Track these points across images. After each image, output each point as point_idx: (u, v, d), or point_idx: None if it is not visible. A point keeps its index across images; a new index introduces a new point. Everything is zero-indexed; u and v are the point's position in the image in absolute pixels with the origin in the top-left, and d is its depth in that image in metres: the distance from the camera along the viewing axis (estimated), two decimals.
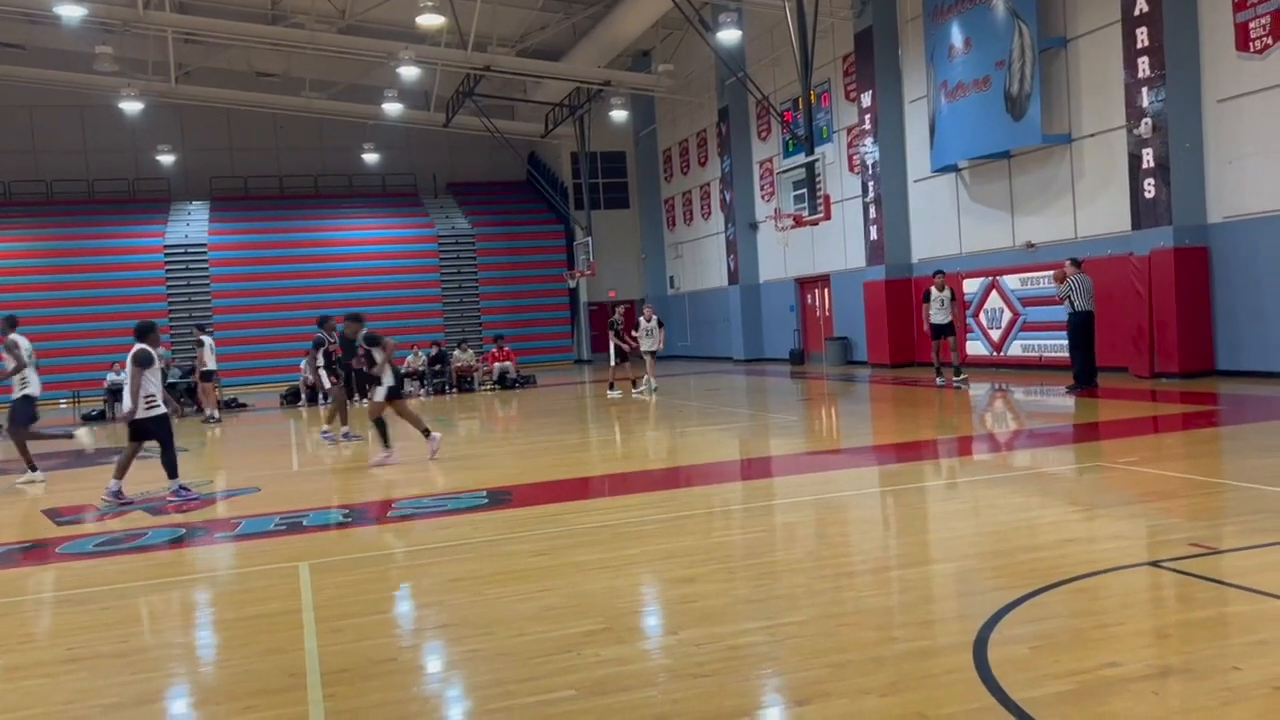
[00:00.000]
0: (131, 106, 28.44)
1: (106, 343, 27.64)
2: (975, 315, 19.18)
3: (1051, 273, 15.26)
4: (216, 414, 19.25)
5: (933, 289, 15.88)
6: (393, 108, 30.15)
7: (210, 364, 19.37)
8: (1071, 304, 14.05)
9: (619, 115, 31.75)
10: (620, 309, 21.48)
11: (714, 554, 6.05)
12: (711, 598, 5.02)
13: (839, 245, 23.68)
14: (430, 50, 26.26)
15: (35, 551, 7.33)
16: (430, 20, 23.26)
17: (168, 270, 31.10)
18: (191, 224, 32.97)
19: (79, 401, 23.32)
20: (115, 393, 21.84)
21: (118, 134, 33.21)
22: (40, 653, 4.84)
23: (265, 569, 6.42)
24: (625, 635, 4.55)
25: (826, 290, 24.88)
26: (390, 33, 26.33)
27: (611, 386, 18.61)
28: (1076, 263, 14.32)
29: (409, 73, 26.74)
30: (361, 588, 5.75)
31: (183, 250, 31.44)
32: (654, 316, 18.59)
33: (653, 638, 4.61)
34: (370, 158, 35.34)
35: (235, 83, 30.71)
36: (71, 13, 22.40)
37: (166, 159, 33.75)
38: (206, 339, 19.53)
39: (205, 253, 31.59)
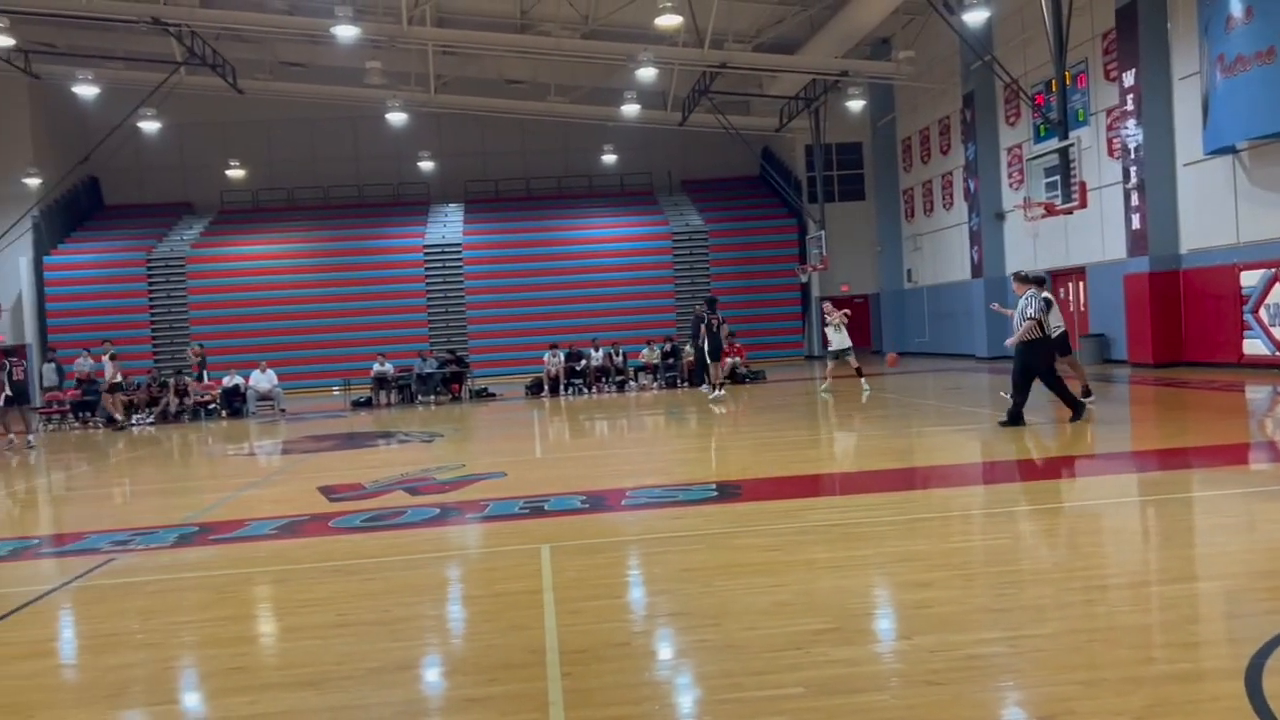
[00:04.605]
0: (396, 117, 30.79)
1: (374, 335, 30.12)
2: (1254, 311, 17.35)
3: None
4: (119, 419, 21.05)
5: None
6: (631, 109, 30.95)
7: (111, 376, 21.17)
8: (1042, 326, 11.38)
9: (855, 105, 31.08)
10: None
11: (952, 560, 5.82)
12: (948, 604, 4.84)
13: (1096, 235, 22.09)
14: (668, 50, 26.75)
15: (312, 524, 8.08)
16: (668, 20, 23.68)
17: (426, 268, 33.43)
18: (448, 225, 35.28)
19: (349, 389, 25.48)
20: (381, 381, 23.78)
21: (384, 142, 36.05)
22: (315, 616, 5.33)
23: (510, 549, 6.78)
24: (856, 636, 4.47)
25: (1081, 283, 23.29)
26: (630, 35, 27.05)
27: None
28: (1041, 280, 11.96)
29: (647, 74, 27.37)
30: (598, 572, 5.96)
31: (440, 249, 33.70)
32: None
33: (885, 641, 4.50)
34: (609, 158, 36.50)
35: (487, 90, 32.55)
36: (346, 33, 24.51)
37: (426, 165, 36.33)
38: (111, 351, 21.58)
39: (460, 251, 33.70)
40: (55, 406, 23.01)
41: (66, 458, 15.81)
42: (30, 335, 31.14)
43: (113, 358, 21.11)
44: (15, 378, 17.38)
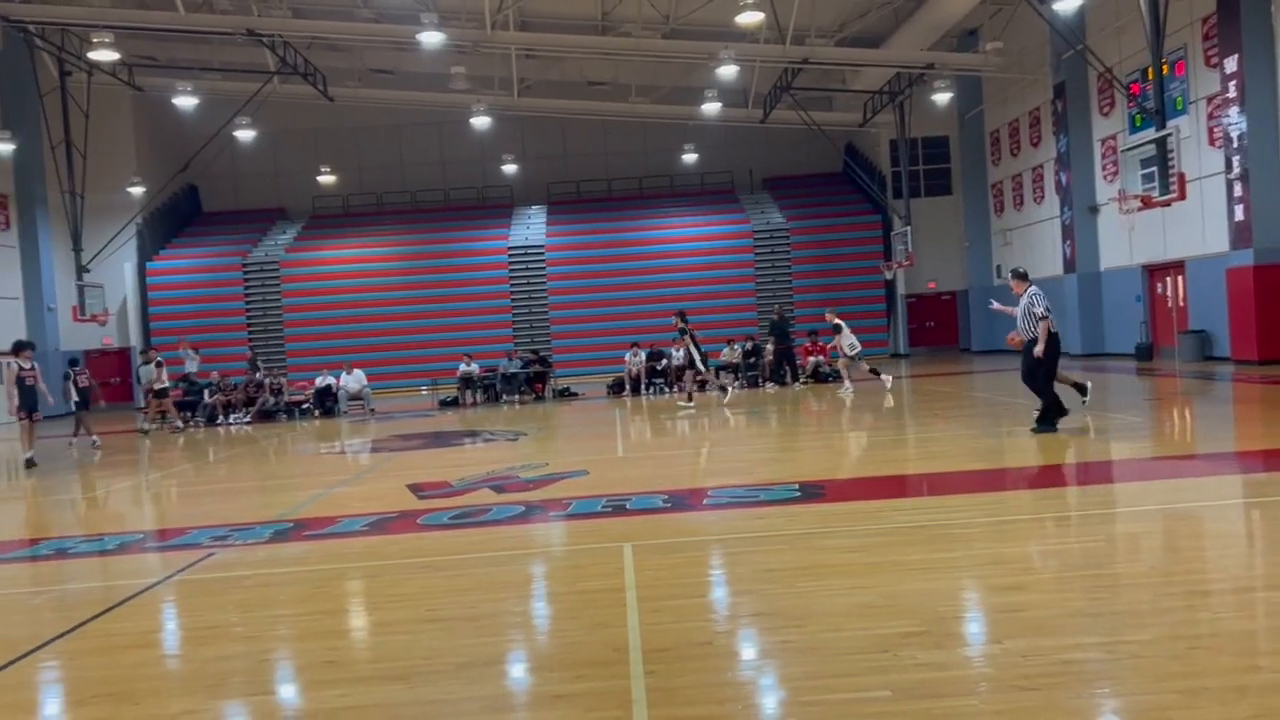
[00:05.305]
0: (481, 121, 31.27)
1: (459, 336, 30.65)
2: None
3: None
4: (179, 423, 21.56)
5: None
6: (711, 107, 30.89)
7: (165, 381, 21.61)
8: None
9: (942, 98, 30.47)
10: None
11: (1044, 562, 5.67)
12: (1040, 608, 4.72)
13: (1196, 228, 21.28)
14: (749, 48, 26.62)
15: (401, 521, 8.26)
16: (749, 18, 23.56)
17: (510, 270, 33.86)
18: (531, 227, 35.69)
19: (437, 389, 25.94)
20: (467, 381, 24.16)
21: (469, 146, 36.66)
22: (405, 611, 5.45)
23: (593, 547, 6.83)
24: (944, 640, 4.38)
25: (1180, 278, 22.46)
26: (711, 33, 26.99)
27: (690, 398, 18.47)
28: (1026, 275, 11.55)
29: (727, 72, 27.27)
30: (679, 571, 5.96)
31: (523, 251, 34.10)
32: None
33: (974, 645, 4.41)
34: (690, 157, 36.49)
35: (569, 93, 32.84)
36: (431, 39, 24.97)
37: (510, 168, 36.82)
38: (157, 359, 22.03)
39: (543, 253, 34.05)
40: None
41: (168, 455, 16.44)
42: (134, 338, 32.49)
43: (158, 364, 21.77)
44: (80, 384, 18.17)
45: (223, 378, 24.47)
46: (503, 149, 36.45)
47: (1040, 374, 11.14)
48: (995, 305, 13.02)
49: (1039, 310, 10.94)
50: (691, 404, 18.24)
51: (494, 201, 37.91)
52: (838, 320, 19.96)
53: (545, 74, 31.69)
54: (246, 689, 4.40)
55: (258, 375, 24.35)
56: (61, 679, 4.73)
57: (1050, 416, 11.11)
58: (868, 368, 19.91)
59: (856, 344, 19.76)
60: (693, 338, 18.75)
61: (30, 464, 14.80)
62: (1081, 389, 11.86)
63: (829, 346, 20.69)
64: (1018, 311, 11.34)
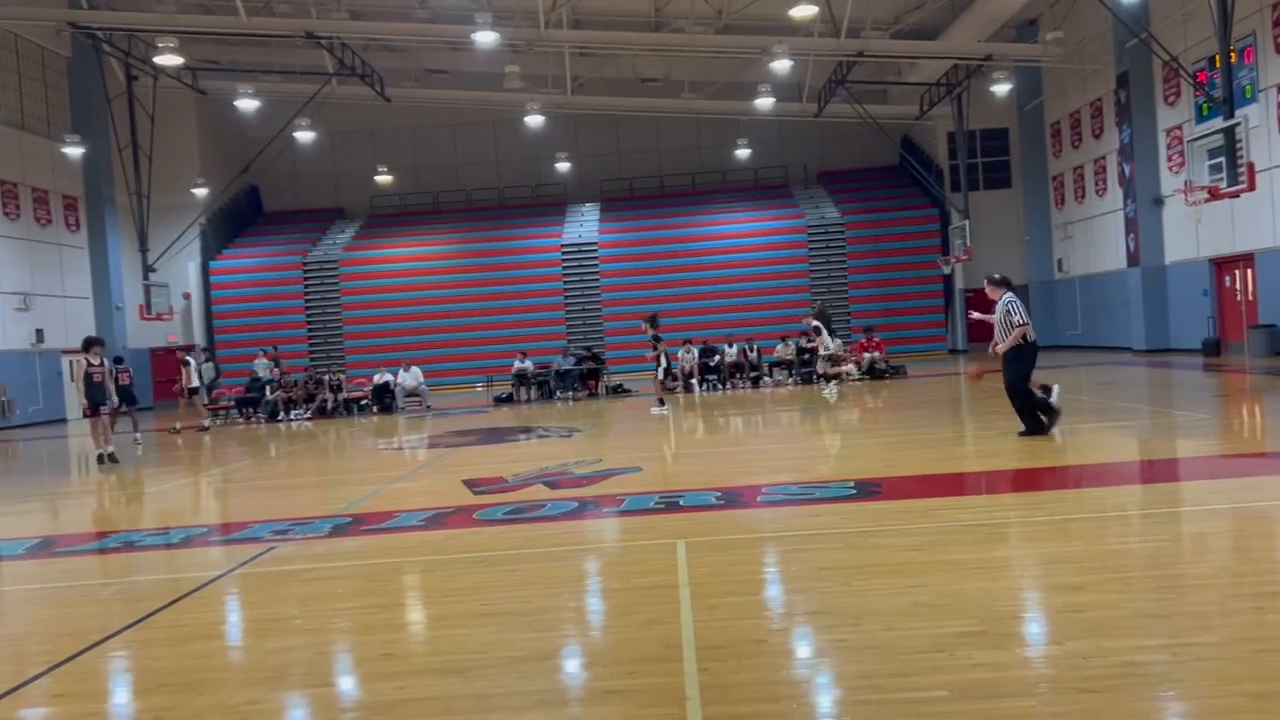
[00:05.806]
0: (535, 119, 31.48)
1: (514, 333, 30.88)
2: None
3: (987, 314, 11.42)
4: (206, 423, 21.67)
5: None
6: (765, 102, 30.71)
7: (195, 381, 21.81)
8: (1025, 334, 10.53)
9: (1001, 89, 29.98)
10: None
11: (1107, 562, 5.54)
12: (1103, 609, 4.62)
13: (1266, 219, 20.67)
14: (803, 41, 26.44)
15: (457, 516, 8.34)
16: (803, 11, 23.38)
17: (564, 267, 34.04)
18: (584, 224, 35.82)
19: (492, 385, 26.16)
20: (522, 377, 24.33)
21: (523, 145, 36.92)
22: (460, 606, 5.50)
23: (646, 544, 6.84)
24: (1003, 640, 4.31)
25: (1249, 271, 21.83)
26: (764, 28, 26.86)
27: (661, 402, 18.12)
28: (1005, 281, 11.03)
29: (781, 66, 27.11)
30: (733, 568, 5.94)
31: (577, 249, 34.25)
32: None
33: (1034, 645, 4.33)
34: (743, 153, 36.33)
35: (622, 90, 32.91)
36: (486, 39, 25.17)
37: (563, 166, 36.99)
38: (192, 360, 22.22)
39: (595, 250, 34.16)
40: (221, 403, 24.52)
41: (230, 451, 16.80)
42: (198, 336, 33.26)
43: (184, 364, 22.13)
44: (121, 382, 18.61)
45: (284, 374, 24.94)
46: (556, 147, 36.66)
47: (1015, 382, 10.82)
48: (974, 315, 12.76)
49: (1016, 318, 10.61)
50: (664, 407, 17.79)
51: (547, 199, 38.12)
52: (817, 323, 20.99)
53: (598, 72, 31.81)
54: (307, 680, 4.47)
55: (275, 374, 24.62)
56: (129, 668, 4.86)
57: (1034, 423, 10.79)
58: (833, 371, 21.15)
59: (831, 345, 21.01)
60: (660, 343, 18.42)
61: (101, 459, 15.18)
62: (1046, 390, 11.40)
63: (812, 345, 22.03)
64: (995, 319, 11.04)
